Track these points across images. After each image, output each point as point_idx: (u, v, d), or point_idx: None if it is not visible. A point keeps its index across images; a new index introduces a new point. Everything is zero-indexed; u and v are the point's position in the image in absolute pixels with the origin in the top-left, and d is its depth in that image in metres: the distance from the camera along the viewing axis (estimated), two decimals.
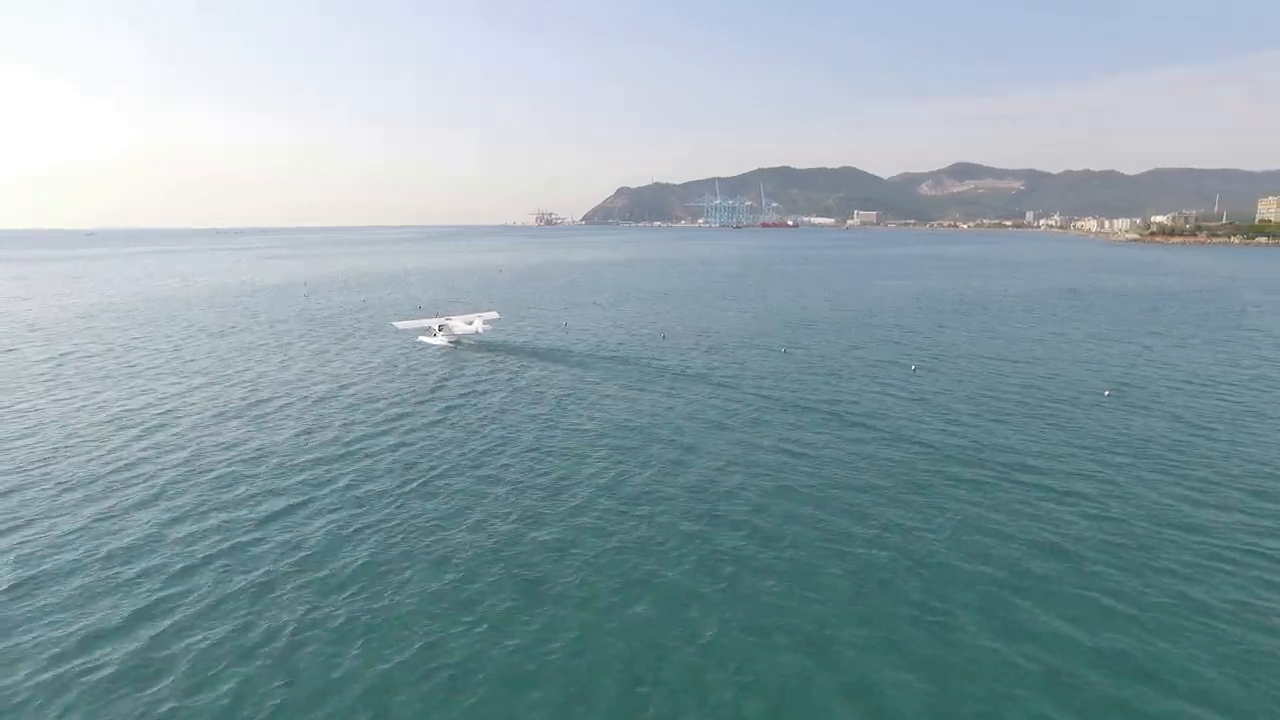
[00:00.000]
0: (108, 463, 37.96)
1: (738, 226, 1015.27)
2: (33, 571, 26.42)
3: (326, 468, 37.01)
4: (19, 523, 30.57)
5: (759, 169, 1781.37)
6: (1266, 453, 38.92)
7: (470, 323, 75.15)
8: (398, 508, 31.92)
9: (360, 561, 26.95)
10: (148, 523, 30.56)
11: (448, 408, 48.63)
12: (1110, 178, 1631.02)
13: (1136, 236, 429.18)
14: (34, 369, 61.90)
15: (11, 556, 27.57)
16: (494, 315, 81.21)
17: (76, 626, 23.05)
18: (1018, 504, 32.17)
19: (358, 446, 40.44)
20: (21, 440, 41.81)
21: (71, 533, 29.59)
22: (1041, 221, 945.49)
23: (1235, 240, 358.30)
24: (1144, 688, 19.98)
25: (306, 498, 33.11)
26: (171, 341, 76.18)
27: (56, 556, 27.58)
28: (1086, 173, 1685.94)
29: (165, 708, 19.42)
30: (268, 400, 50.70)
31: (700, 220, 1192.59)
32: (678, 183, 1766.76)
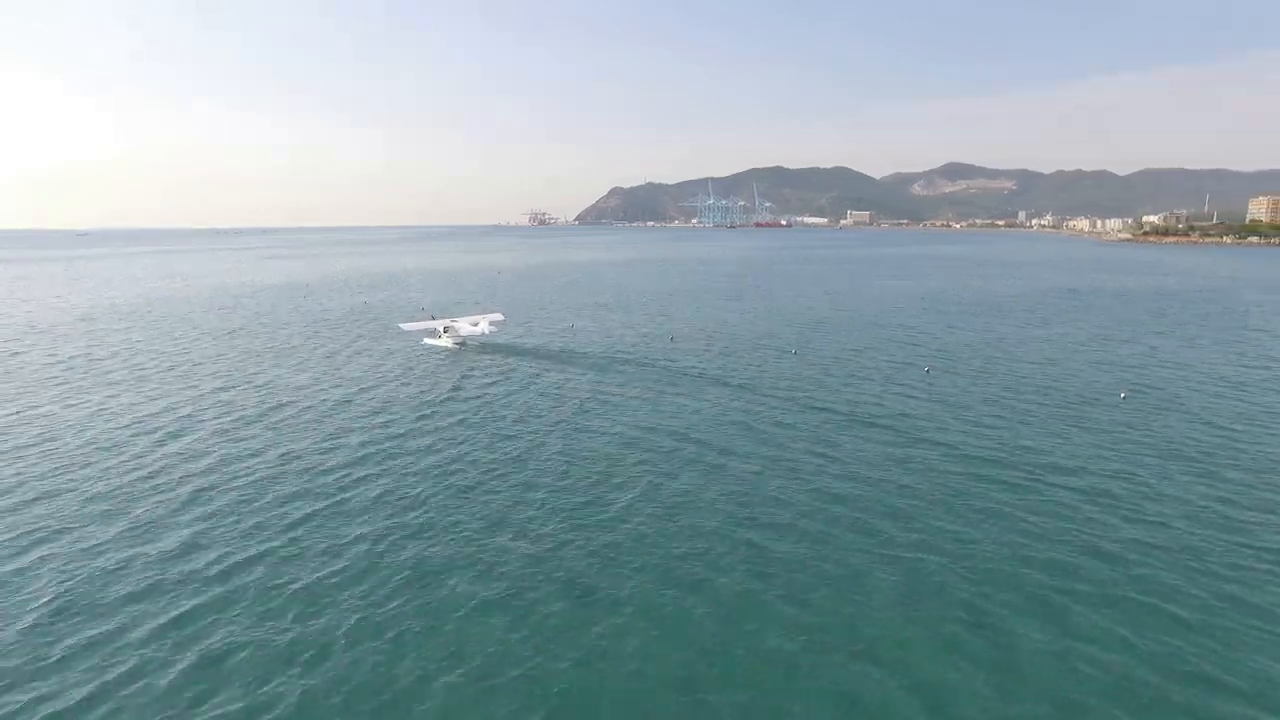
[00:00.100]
0: (131, 470, 37.51)
1: (731, 226, 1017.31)
2: (71, 582, 26.05)
3: (357, 475, 36.66)
4: (49, 532, 30.14)
5: (752, 169, 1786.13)
6: None
7: (476, 324, 74.75)
8: (436, 515, 31.65)
9: (405, 570, 26.68)
10: (181, 532, 30.19)
11: (470, 412, 48.34)
12: (1102, 178, 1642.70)
13: (1129, 236, 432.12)
14: (41, 373, 61.18)
15: (47, 568, 27.19)
16: (499, 317, 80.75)
17: (119, 636, 22.73)
18: (1053, 506, 32.19)
19: (385, 453, 40.11)
20: (39, 447, 41.28)
21: (105, 543, 29.18)
22: (1034, 221, 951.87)
23: (1227, 240, 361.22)
24: (1201, 690, 20.00)
25: (341, 505, 32.78)
26: (178, 345, 75.50)
27: (92, 565, 27.21)
28: (1078, 173, 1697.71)
29: (215, 715, 19.19)
30: (286, 405, 50.26)
31: (694, 220, 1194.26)
32: (671, 183, 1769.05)
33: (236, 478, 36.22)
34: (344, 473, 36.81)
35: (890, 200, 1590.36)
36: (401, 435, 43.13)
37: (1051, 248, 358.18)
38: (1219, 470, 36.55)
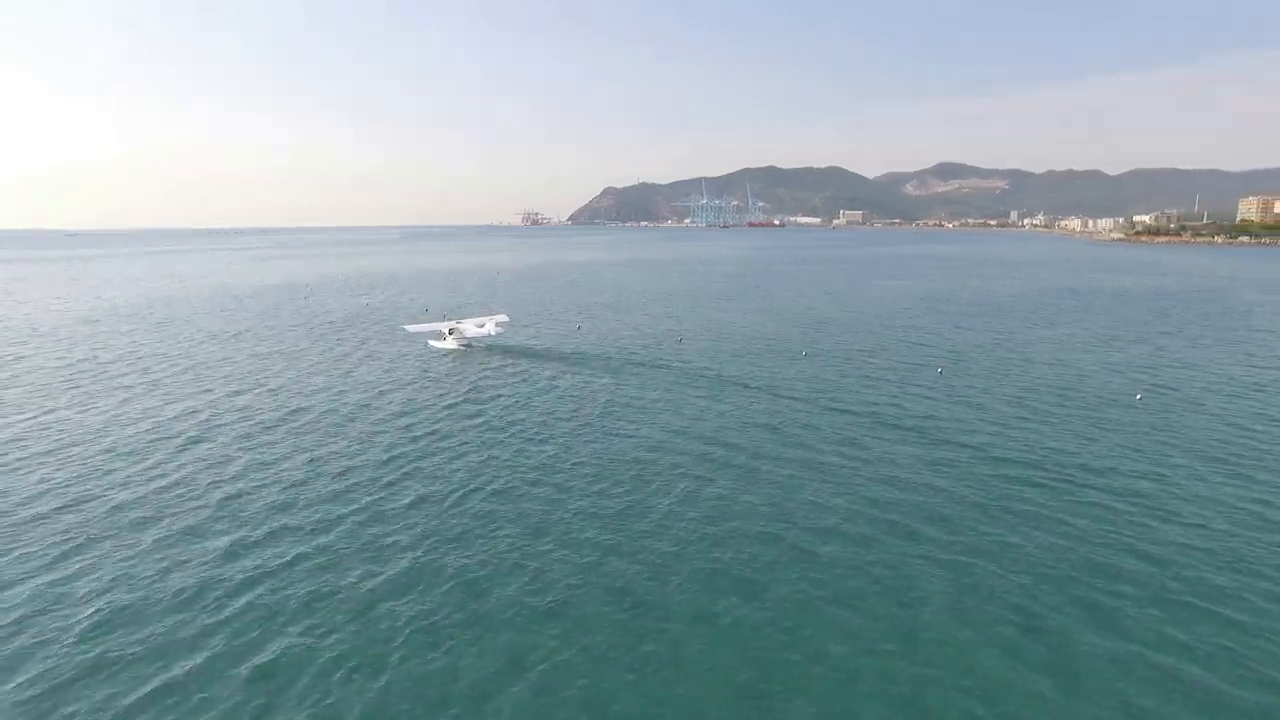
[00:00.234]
0: (157, 478, 37.06)
1: (724, 226, 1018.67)
2: (112, 594, 25.70)
3: (388, 480, 36.33)
4: (84, 541, 29.73)
5: (745, 169, 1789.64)
6: None
7: (481, 325, 74.44)
8: (474, 521, 31.40)
9: (450, 579, 26.44)
10: (217, 540, 29.84)
11: (493, 416, 48.04)
12: (1093, 177, 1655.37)
13: (1122, 236, 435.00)
14: (52, 377, 60.46)
15: (86, 580, 26.81)
16: (504, 318, 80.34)
17: (167, 650, 22.43)
18: (1089, 508, 32.27)
19: (413, 457, 39.80)
20: (59, 454, 40.76)
21: (141, 552, 28.82)
22: (1026, 221, 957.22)
23: (1219, 240, 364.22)
24: (1262, 692, 20.04)
25: (376, 512, 32.46)
26: (184, 347, 74.81)
27: (130, 575, 26.86)
28: (1070, 172, 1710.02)
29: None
30: (305, 410, 49.84)
31: (687, 220, 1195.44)
32: (664, 182, 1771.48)
33: (266, 484, 35.86)
34: (374, 478, 36.50)
35: (883, 200, 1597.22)
36: (427, 440, 42.84)
37: (1045, 247, 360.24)
38: (1248, 471, 36.76)
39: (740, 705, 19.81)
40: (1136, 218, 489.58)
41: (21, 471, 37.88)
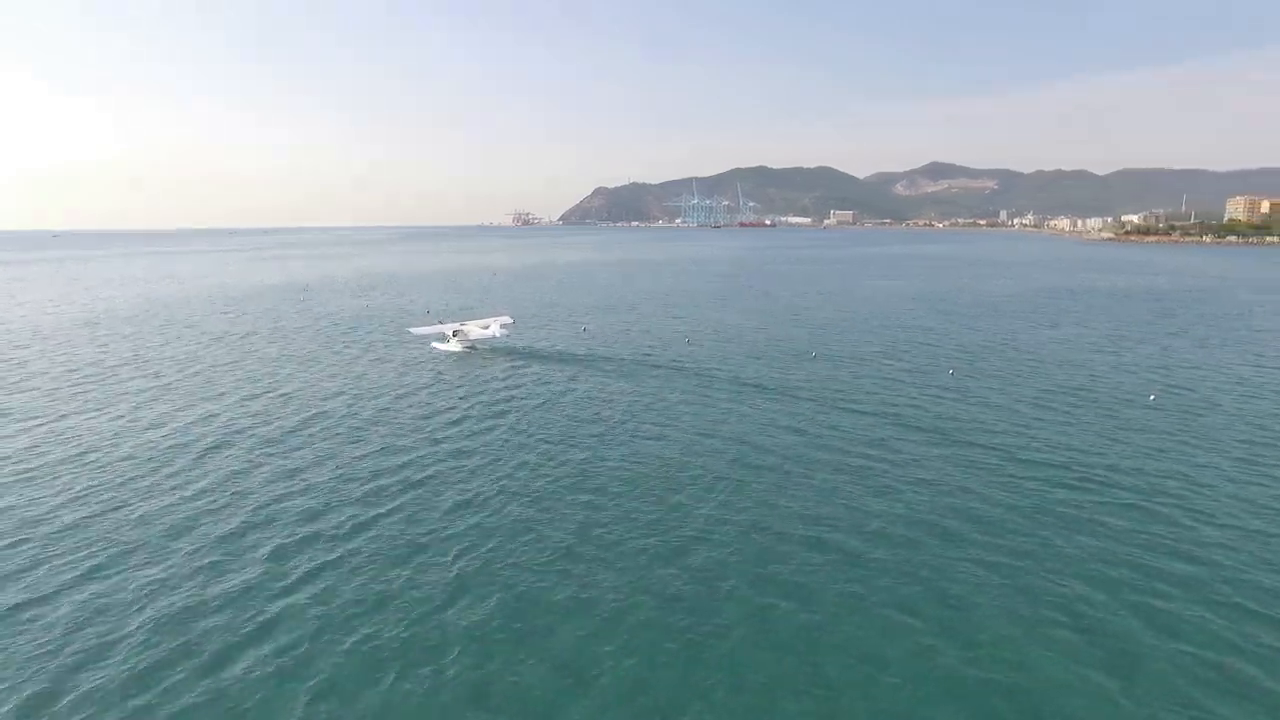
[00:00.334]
0: (181, 486, 36.56)
1: (715, 226, 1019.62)
2: (153, 605, 25.36)
3: (418, 486, 36.02)
4: (117, 552, 29.29)
5: (736, 169, 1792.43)
6: None
7: (486, 327, 74.07)
8: (512, 528, 31.18)
9: (496, 590, 26.19)
10: (253, 551, 29.47)
11: (516, 420, 47.75)
12: (1081, 177, 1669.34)
13: (1112, 236, 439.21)
14: (60, 382, 59.64)
15: (123, 591, 26.45)
16: (509, 319, 79.83)
17: (217, 665, 22.14)
18: (1124, 509, 32.46)
19: (440, 461, 39.50)
20: (77, 461, 40.17)
21: (175, 563, 28.44)
22: (1015, 221, 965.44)
23: (1207, 239, 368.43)
24: None
25: (410, 520, 32.13)
26: (191, 351, 74.02)
27: (167, 585, 26.51)
28: (1058, 172, 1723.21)
29: None
30: (323, 415, 49.39)
31: (678, 220, 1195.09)
32: (655, 182, 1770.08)
33: (295, 492, 35.47)
34: (404, 485, 36.18)
35: (873, 200, 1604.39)
36: (453, 445, 42.55)
37: (1035, 247, 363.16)
38: (1276, 471, 37.09)
39: (805, 714, 19.75)
40: (1125, 217, 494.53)
41: (43, 480, 37.33)
